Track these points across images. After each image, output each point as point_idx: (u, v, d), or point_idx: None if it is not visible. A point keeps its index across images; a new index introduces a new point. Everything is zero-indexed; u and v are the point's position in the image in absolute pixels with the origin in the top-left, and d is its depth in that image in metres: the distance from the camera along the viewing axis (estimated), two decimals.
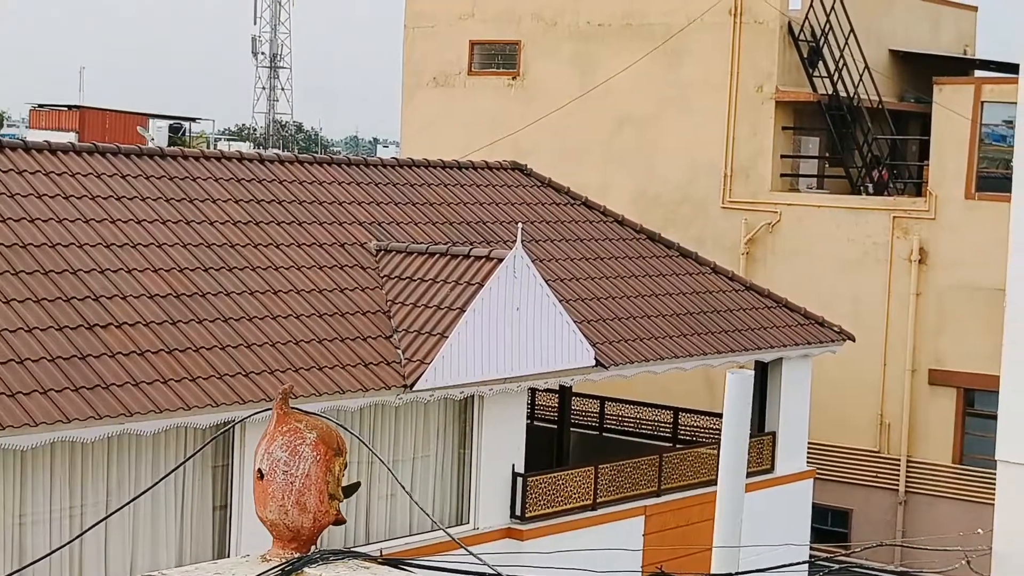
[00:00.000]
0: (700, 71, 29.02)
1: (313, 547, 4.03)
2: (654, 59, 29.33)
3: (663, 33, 29.31)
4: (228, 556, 14.86)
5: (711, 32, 28.80)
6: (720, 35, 28.75)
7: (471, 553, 4.40)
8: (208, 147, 58.57)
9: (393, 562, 4.02)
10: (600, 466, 19.96)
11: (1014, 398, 7.22)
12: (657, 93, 29.49)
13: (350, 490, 4.08)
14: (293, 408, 4.07)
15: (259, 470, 4.01)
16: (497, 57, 31.81)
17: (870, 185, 29.13)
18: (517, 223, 19.83)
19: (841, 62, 28.84)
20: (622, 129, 29.94)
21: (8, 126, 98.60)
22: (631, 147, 29.81)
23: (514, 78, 31.40)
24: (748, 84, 28.60)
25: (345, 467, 4.08)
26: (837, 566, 22.45)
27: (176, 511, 15.63)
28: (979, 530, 8.19)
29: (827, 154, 29.91)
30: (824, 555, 21.87)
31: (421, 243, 19.43)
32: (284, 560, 3.95)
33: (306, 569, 3.90)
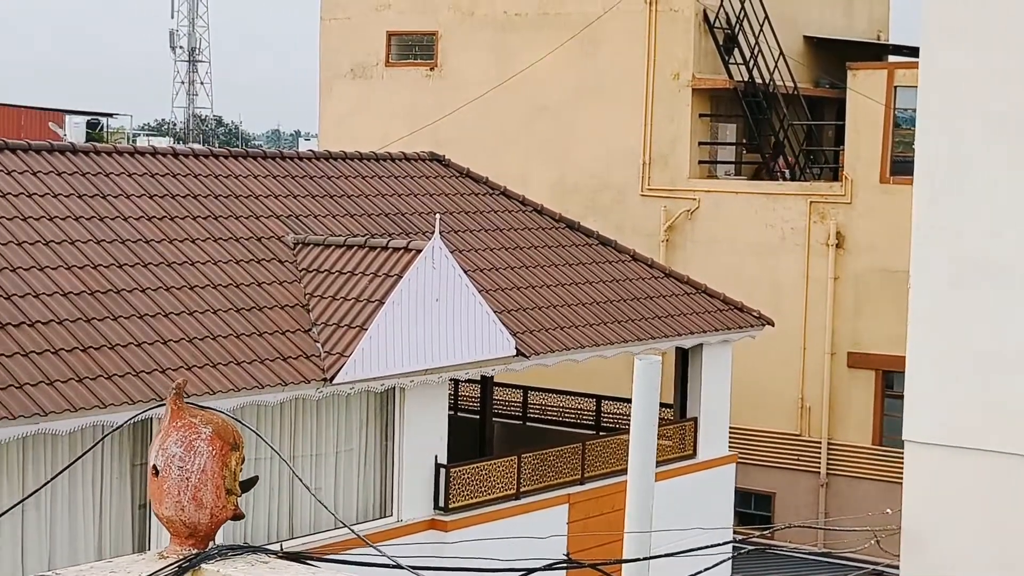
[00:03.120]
0: (617, 59, 29.12)
1: (211, 543, 3.99)
2: (571, 48, 29.39)
3: (580, 22, 29.36)
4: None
5: (627, 20, 28.89)
6: (636, 23, 28.85)
7: (373, 547, 4.38)
8: (127, 142, 57.89)
9: (294, 556, 3.99)
10: (523, 455, 19.99)
11: (919, 379, 7.32)
12: (574, 82, 29.55)
13: (247, 485, 4.04)
14: (188, 403, 4.02)
15: (154, 466, 3.97)
16: (415, 48, 31.72)
17: (778, 172, 29.39)
18: (435, 214, 19.79)
19: (756, 49, 29.05)
20: (540, 118, 29.98)
21: None
22: (549, 136, 29.86)
23: (432, 69, 31.33)
24: (664, 72, 28.73)
25: (242, 461, 4.04)
26: (754, 548, 22.65)
27: (94, 511, 15.45)
28: (888, 510, 8.29)
29: (744, 140, 30.13)
30: (746, 537, 22.05)
31: (339, 235, 19.33)
32: (181, 557, 3.90)
33: (204, 565, 3.86)
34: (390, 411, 18.40)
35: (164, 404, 4.18)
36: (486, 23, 30.66)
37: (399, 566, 3.99)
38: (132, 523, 15.80)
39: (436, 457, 18.74)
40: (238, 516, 4.01)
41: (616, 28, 28.98)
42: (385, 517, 18.34)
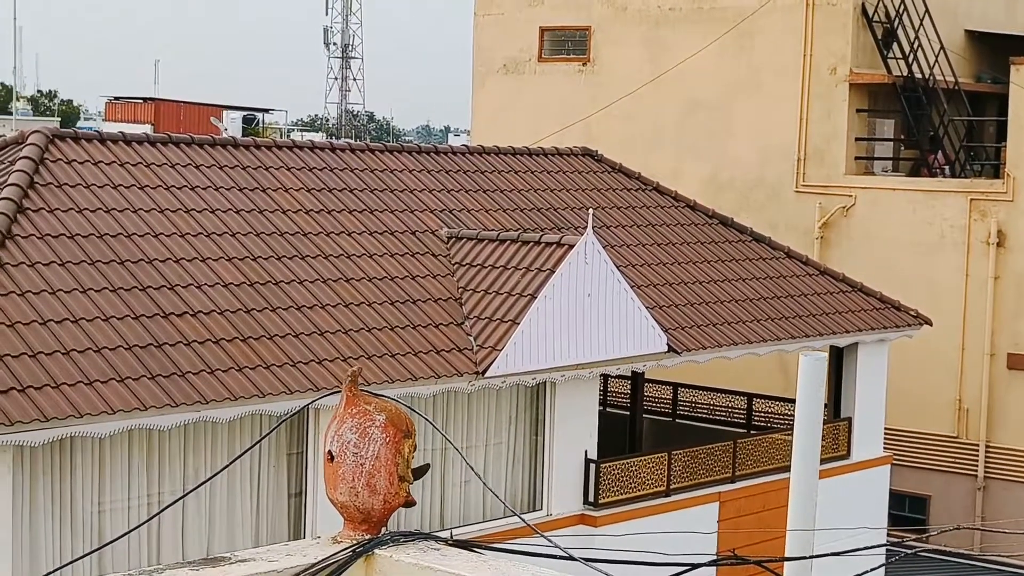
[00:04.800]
0: (772, 54, 28.77)
1: (384, 529, 4.03)
2: (725, 42, 29.12)
3: (735, 16, 29.07)
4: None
5: (783, 14, 28.53)
6: (793, 17, 28.47)
7: (543, 536, 4.38)
8: (281, 138, 58.96)
9: (463, 544, 4.01)
10: (674, 452, 19.88)
11: None
12: (729, 76, 29.27)
13: (420, 472, 4.07)
14: (362, 390, 4.06)
15: (329, 452, 4.02)
16: (567, 43, 31.71)
17: (937, 168, 28.75)
18: (588, 209, 19.76)
19: (916, 43, 28.46)
20: (693, 113, 29.76)
21: (84, 119, 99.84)
22: (703, 132, 29.61)
23: (584, 64, 31.30)
24: (821, 66, 28.31)
25: (414, 449, 4.07)
26: (913, 551, 22.20)
27: (252, 498, 15.76)
28: None
29: (902, 136, 29.55)
30: (901, 540, 21.63)
31: (492, 230, 19.42)
32: (355, 542, 3.95)
33: (377, 551, 3.89)
34: (540, 405, 18.44)
35: (335, 392, 4.24)
36: (639, 18, 30.53)
37: (571, 557, 3.99)
38: (288, 510, 16.07)
39: (586, 452, 18.73)
40: (410, 503, 4.04)
41: (772, 22, 28.64)
42: (535, 511, 18.39)
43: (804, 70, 28.37)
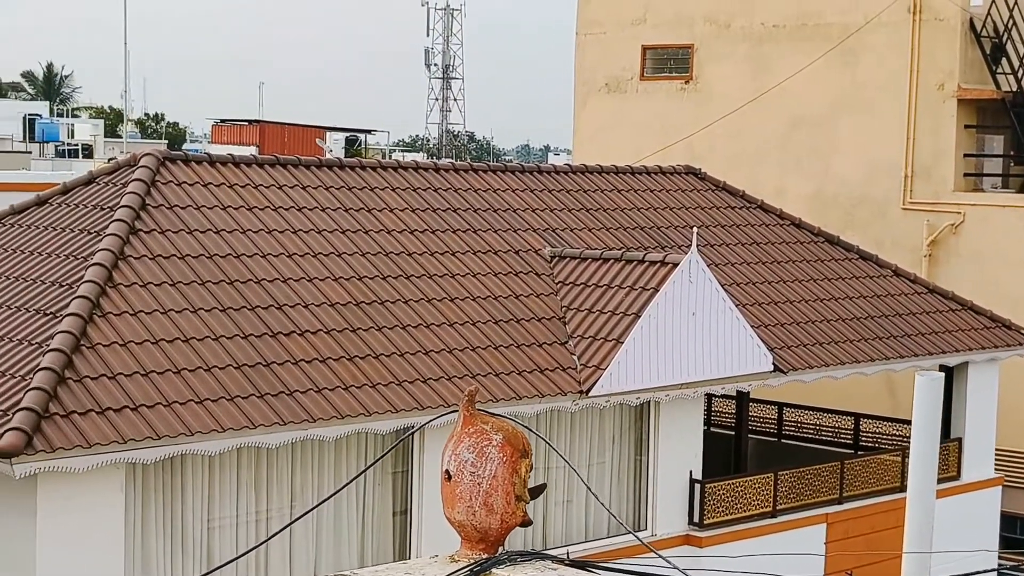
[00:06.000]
0: (878, 70, 28.45)
1: (500, 548, 4.03)
2: (830, 59, 28.85)
3: (840, 33, 28.81)
4: (409, 559, 15.02)
5: (889, 30, 28.21)
6: (899, 33, 28.14)
7: (661, 556, 4.36)
8: (383, 159, 59.41)
9: (580, 564, 4.00)
10: (780, 473, 19.68)
11: None
12: (833, 93, 28.99)
13: (536, 492, 4.07)
14: (479, 410, 4.07)
15: (447, 471, 4.03)
16: (670, 61, 31.63)
17: None
18: (692, 227, 19.67)
19: None
20: (797, 130, 29.51)
21: (190, 141, 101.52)
22: (807, 148, 29.36)
23: (687, 82, 31.19)
24: (928, 82, 27.93)
25: (531, 469, 4.07)
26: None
27: (357, 516, 15.87)
28: None
29: (1012, 152, 29.04)
30: (1012, 563, 21.21)
31: (595, 249, 19.41)
32: (472, 560, 3.96)
33: (494, 570, 3.90)
34: (644, 425, 18.37)
35: (449, 412, 4.25)
36: (743, 35, 30.37)
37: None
38: (393, 529, 16.16)
39: (691, 472, 18.61)
40: (526, 523, 4.04)
41: (878, 38, 28.33)
42: (639, 531, 18.29)
43: (911, 86, 28.01)
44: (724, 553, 17.39)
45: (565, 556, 4.04)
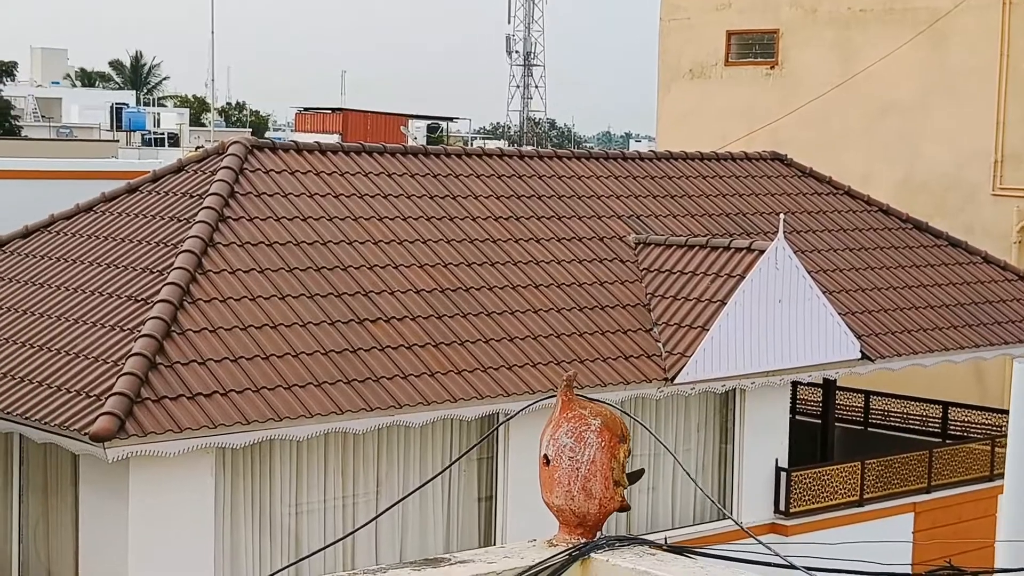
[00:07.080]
0: (967, 54, 28.03)
1: (599, 533, 4.04)
2: (918, 44, 28.46)
3: (928, 17, 28.41)
4: (493, 545, 15.08)
5: (979, 14, 27.77)
6: (989, 16, 27.69)
7: (761, 542, 4.33)
8: (465, 146, 59.58)
9: (678, 549, 3.99)
10: (867, 461, 19.50)
11: None
12: (922, 78, 28.60)
13: (634, 477, 4.07)
14: (578, 395, 4.08)
15: (545, 456, 4.04)
16: (754, 47, 31.37)
17: None
18: (778, 214, 19.52)
19: None
20: (885, 116, 29.15)
21: (273, 129, 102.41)
22: (894, 134, 29.00)
23: (772, 67, 30.92)
24: (1019, 67, 27.46)
25: (629, 454, 4.07)
26: None
27: (443, 502, 15.95)
28: None
29: None
30: None
31: (680, 236, 19.32)
32: (571, 545, 3.96)
33: (594, 555, 3.90)
34: (730, 412, 18.28)
35: (549, 396, 4.26)
36: (829, 20, 30.05)
37: (791, 566, 3.94)
38: (478, 515, 16.22)
39: (776, 460, 18.50)
40: (624, 508, 4.04)
41: (967, 23, 27.90)
42: (725, 518, 18.21)
43: (1001, 71, 27.57)
44: (810, 541, 17.25)
45: (663, 541, 4.03)
